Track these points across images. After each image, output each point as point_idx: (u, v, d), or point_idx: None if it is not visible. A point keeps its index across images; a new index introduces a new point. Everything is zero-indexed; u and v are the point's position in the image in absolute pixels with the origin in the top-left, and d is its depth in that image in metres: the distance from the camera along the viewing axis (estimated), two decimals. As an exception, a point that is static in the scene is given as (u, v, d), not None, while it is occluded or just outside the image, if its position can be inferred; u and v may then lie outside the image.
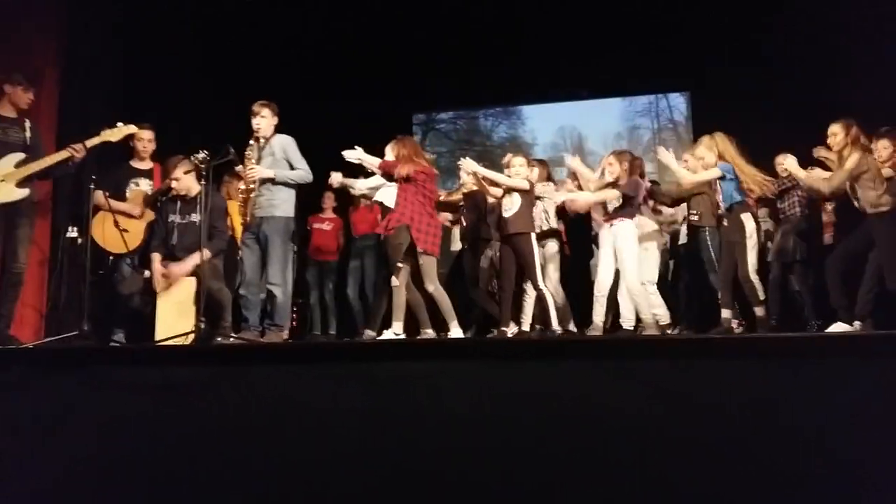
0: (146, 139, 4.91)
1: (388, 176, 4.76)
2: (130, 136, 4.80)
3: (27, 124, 4.44)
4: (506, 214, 4.95)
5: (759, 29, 6.59)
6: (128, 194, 4.83)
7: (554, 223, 5.45)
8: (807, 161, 5.06)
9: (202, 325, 4.09)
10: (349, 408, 2.80)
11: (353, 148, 4.85)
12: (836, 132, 4.63)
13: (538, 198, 5.32)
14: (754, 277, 4.72)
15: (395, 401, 2.78)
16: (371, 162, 4.85)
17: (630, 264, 4.82)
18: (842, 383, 2.42)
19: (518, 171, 5.00)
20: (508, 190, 4.97)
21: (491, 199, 5.35)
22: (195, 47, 6.37)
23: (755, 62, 6.67)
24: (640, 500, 2.47)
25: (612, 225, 4.92)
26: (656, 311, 5.00)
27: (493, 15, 6.99)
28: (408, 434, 2.71)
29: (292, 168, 4.59)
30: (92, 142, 4.48)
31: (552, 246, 5.40)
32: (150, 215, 4.83)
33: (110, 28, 5.77)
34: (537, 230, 5.16)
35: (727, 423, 2.48)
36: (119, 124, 4.56)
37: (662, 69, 7.29)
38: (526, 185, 4.95)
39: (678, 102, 7.95)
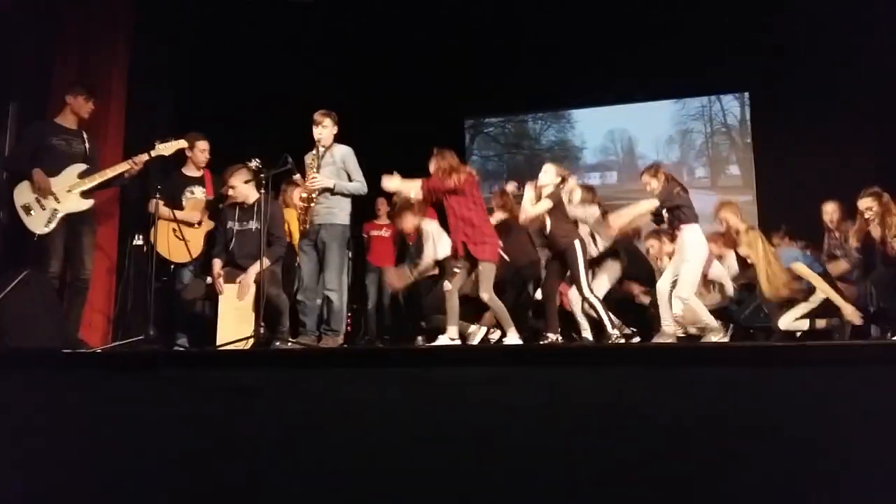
0: (200, 150, 5.02)
1: (433, 195, 4.70)
2: (187, 146, 4.93)
3: (85, 136, 4.59)
4: (546, 231, 4.96)
5: (820, 28, 6.44)
6: (184, 203, 4.95)
7: (600, 247, 5.30)
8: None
9: (261, 331, 4.19)
10: (403, 411, 2.84)
11: (392, 173, 4.75)
12: (871, 206, 4.74)
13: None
14: None
15: (448, 405, 2.81)
16: (411, 188, 4.76)
17: (687, 268, 4.65)
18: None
19: (542, 180, 4.96)
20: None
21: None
22: (252, 57, 6.51)
23: (818, 61, 6.53)
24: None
25: (678, 234, 4.79)
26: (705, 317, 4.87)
27: (544, 18, 6.98)
28: (461, 438, 2.74)
29: (350, 178, 4.67)
30: (147, 155, 4.62)
31: (608, 263, 5.28)
32: (208, 224, 4.96)
33: (174, 38, 5.94)
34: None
35: (781, 432, 2.45)
36: (172, 139, 4.72)
37: (720, 68, 7.17)
38: (536, 211, 4.90)
39: (732, 106, 7.79)
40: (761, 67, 6.95)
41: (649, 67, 7.17)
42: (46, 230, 4.29)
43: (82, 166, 4.48)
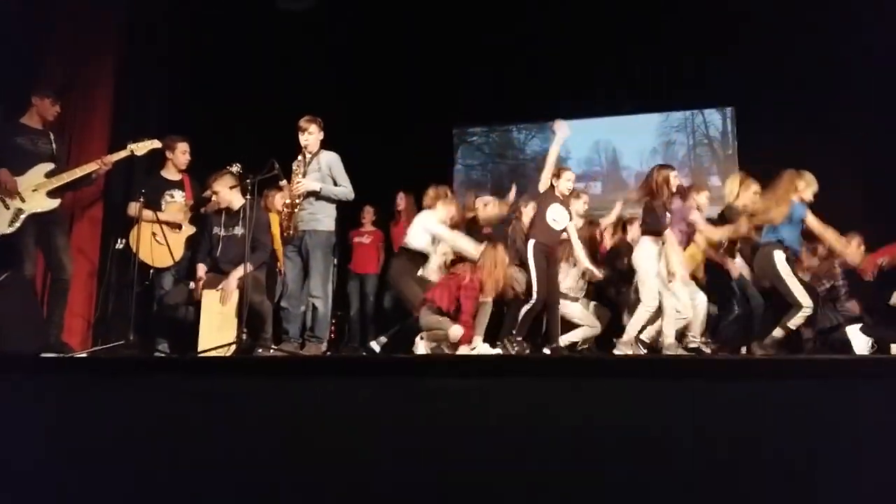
0: (181, 151, 4.99)
1: None
2: (168, 148, 4.92)
3: (52, 136, 4.55)
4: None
5: (803, 47, 6.54)
6: (164, 206, 4.90)
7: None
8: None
9: (244, 337, 4.16)
10: (386, 421, 2.84)
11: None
12: None
13: None
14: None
15: (433, 415, 2.81)
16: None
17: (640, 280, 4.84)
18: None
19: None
20: None
21: None
22: (241, 63, 6.48)
23: (801, 79, 6.63)
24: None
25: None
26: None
27: (531, 30, 7.03)
28: (445, 448, 2.73)
29: (336, 184, 4.65)
30: (118, 155, 4.61)
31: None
32: (189, 228, 4.92)
33: (164, 41, 5.90)
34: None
35: (761, 445, 2.47)
36: (145, 140, 4.70)
37: (706, 85, 7.27)
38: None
39: (714, 118, 7.89)
40: (746, 83, 7.03)
41: (636, 81, 7.24)
42: (10, 230, 4.24)
43: (49, 165, 4.43)
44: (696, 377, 2.72)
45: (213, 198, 4.67)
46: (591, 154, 8.20)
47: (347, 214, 5.51)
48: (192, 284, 4.59)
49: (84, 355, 4.10)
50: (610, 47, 7.07)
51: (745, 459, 2.47)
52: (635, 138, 8.02)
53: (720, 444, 2.49)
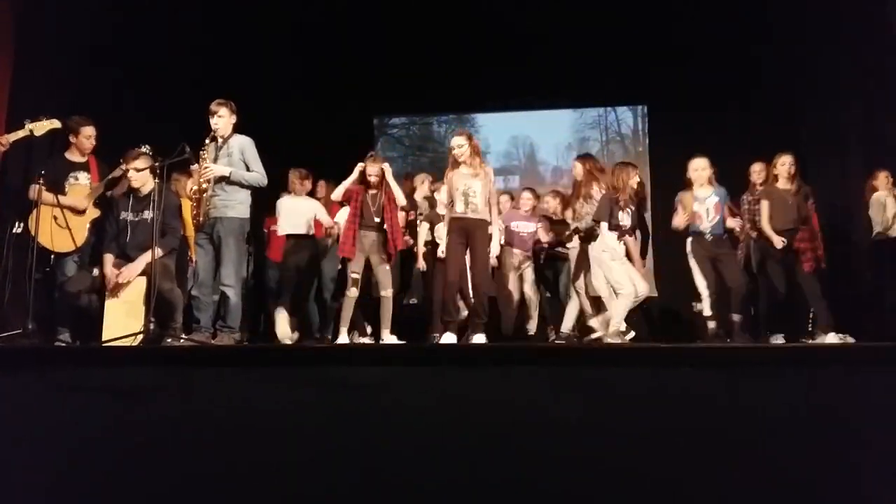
0: (86, 136, 4.79)
1: None
2: (72, 131, 4.72)
3: None
4: None
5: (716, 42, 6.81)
6: (67, 189, 4.69)
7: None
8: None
9: (151, 326, 4.03)
10: (300, 411, 2.81)
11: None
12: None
13: None
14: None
15: (346, 405, 2.80)
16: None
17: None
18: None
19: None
20: None
21: None
22: (154, 42, 6.24)
23: (714, 76, 6.91)
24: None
25: None
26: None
27: (452, 22, 7.07)
28: (358, 438, 2.73)
29: (248, 170, 4.54)
30: (16, 135, 4.39)
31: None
32: (93, 211, 4.73)
33: (66, 13, 5.62)
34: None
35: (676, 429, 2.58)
36: (44, 118, 4.49)
37: (619, 81, 7.49)
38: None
39: (626, 116, 8.18)
40: (658, 81, 7.30)
41: (553, 76, 7.39)
42: None
43: None
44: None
45: (129, 174, 4.46)
46: (509, 148, 8.37)
47: (268, 203, 5.43)
48: (95, 271, 4.40)
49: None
50: (529, 42, 7.17)
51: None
52: (551, 134, 8.25)
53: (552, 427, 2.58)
